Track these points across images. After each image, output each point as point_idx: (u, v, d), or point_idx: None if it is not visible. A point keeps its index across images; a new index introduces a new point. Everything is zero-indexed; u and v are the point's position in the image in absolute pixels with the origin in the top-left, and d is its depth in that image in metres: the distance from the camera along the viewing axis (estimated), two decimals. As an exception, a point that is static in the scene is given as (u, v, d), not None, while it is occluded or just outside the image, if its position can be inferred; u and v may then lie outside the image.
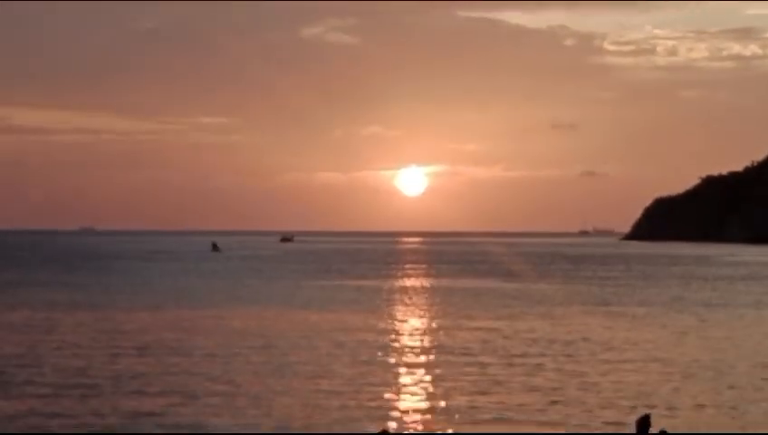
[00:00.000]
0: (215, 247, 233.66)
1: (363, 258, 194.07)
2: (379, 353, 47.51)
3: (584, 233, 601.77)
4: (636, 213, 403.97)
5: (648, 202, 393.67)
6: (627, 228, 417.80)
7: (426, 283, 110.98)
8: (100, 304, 74.74)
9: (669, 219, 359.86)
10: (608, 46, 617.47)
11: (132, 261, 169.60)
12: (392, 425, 29.47)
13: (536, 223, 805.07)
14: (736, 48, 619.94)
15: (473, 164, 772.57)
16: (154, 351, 47.90)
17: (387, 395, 36.31)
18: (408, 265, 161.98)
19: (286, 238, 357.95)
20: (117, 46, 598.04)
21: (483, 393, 36.40)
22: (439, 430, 30.83)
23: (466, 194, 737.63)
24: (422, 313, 71.31)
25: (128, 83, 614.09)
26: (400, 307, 76.19)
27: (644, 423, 21.14)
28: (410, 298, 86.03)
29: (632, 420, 23.36)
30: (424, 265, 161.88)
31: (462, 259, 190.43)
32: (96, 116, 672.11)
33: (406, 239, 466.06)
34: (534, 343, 52.09)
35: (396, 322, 64.46)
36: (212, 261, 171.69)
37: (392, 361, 45.49)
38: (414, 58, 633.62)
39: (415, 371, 42.43)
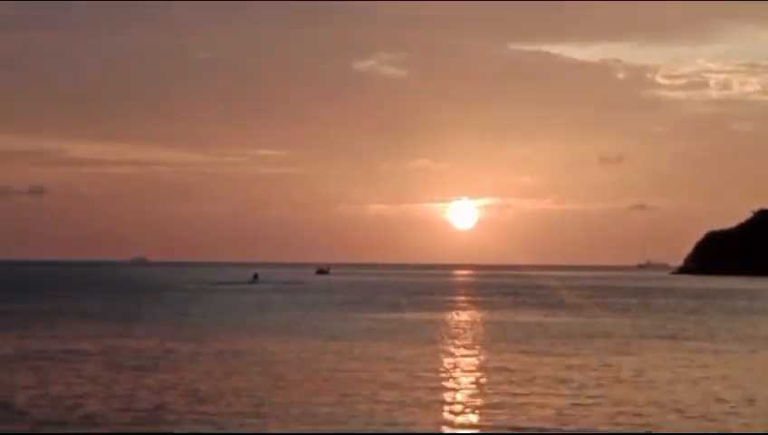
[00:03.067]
0: (255, 278, 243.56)
1: (415, 291, 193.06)
2: (430, 389, 46.49)
3: (643, 266, 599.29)
4: (688, 247, 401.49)
5: (700, 236, 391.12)
6: (679, 262, 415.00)
7: (483, 316, 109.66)
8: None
9: (721, 253, 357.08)
10: (660, 80, 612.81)
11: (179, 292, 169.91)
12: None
13: (589, 256, 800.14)
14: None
15: (523, 196, 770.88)
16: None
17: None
18: (460, 298, 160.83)
19: (322, 271, 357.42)
20: (171, 78, 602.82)
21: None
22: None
23: (518, 226, 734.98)
24: (480, 347, 70.15)
25: (182, 115, 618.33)
26: (454, 341, 75.00)
27: None
28: (464, 332, 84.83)
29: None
30: (478, 298, 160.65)
31: (517, 292, 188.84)
32: (150, 148, 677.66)
33: (458, 272, 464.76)
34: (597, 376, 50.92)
35: (450, 356, 63.34)
36: (258, 292, 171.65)
37: (444, 397, 44.41)
38: (463, 91, 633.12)
39: (469, 405, 41.42)
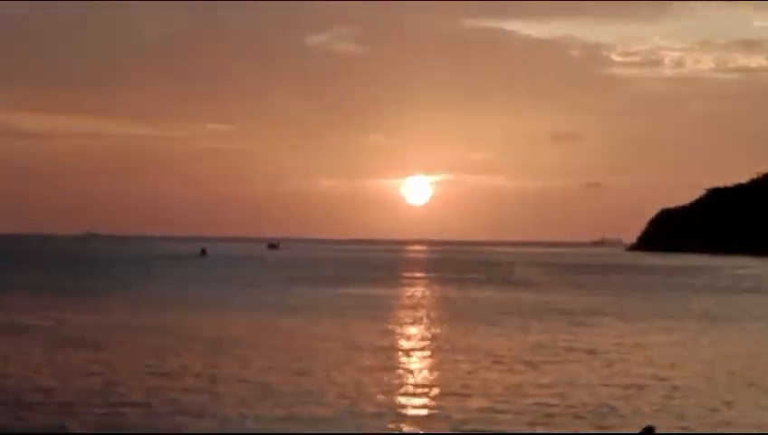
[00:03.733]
0: (203, 252, 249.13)
1: (367, 266, 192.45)
2: (381, 363, 45.57)
3: (598, 243, 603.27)
4: (641, 224, 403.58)
5: (653, 213, 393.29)
6: (633, 239, 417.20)
7: (435, 292, 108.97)
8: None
9: (675, 230, 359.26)
10: (614, 57, 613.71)
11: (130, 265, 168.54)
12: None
13: (544, 232, 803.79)
14: (743, 60, 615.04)
15: (477, 173, 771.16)
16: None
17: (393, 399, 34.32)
18: (414, 274, 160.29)
19: (273, 245, 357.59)
20: (118, 52, 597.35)
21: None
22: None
23: (472, 203, 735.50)
24: (431, 322, 69.34)
25: (129, 89, 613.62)
26: (403, 317, 74.16)
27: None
28: (415, 308, 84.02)
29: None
30: (431, 274, 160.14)
31: (470, 268, 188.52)
32: (97, 121, 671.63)
33: (412, 248, 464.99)
34: (541, 350, 50.18)
35: (398, 331, 62.48)
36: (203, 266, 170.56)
37: (396, 369, 43.48)
38: (417, 66, 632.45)
39: (419, 374, 40.51)
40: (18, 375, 40.69)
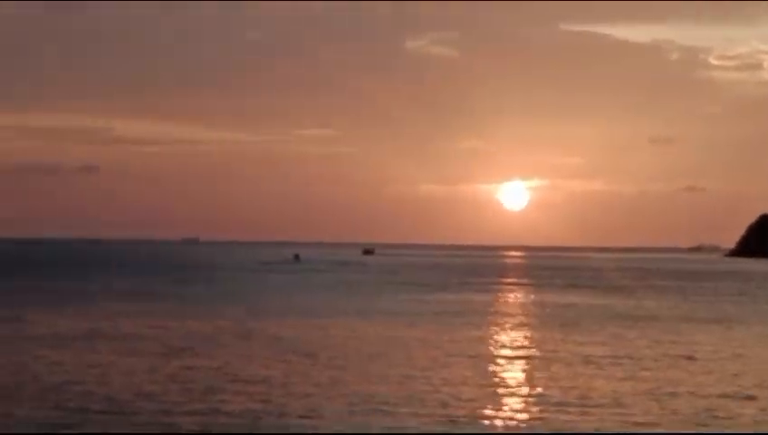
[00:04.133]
0: (296, 258, 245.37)
1: (464, 272, 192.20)
2: (479, 368, 45.74)
3: (696, 249, 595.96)
4: (740, 229, 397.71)
5: (753, 219, 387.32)
6: (732, 244, 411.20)
7: (530, 298, 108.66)
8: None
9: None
10: (713, 61, 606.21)
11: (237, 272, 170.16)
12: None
13: (641, 238, 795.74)
14: None
15: (573, 178, 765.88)
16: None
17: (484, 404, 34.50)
18: (508, 280, 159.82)
19: (368, 251, 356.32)
20: (218, 56, 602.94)
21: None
22: None
23: (568, 208, 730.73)
24: (525, 328, 69.26)
25: (229, 94, 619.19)
26: (500, 322, 74.11)
27: None
28: (511, 313, 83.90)
29: None
30: (527, 280, 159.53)
31: (567, 274, 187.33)
32: (197, 127, 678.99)
33: (509, 253, 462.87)
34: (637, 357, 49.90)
35: (495, 337, 62.50)
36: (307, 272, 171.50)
37: (491, 375, 43.62)
38: (514, 71, 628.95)
39: (514, 380, 40.61)
40: (121, 382, 41.44)
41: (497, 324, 71.23)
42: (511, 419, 33.84)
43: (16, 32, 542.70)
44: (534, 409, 35.59)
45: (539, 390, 39.91)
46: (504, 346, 56.80)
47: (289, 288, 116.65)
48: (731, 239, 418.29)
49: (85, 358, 47.97)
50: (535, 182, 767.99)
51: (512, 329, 68.00)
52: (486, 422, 33.04)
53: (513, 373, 45.28)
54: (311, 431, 28.44)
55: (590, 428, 32.11)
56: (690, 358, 51.29)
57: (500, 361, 49.73)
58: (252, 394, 37.61)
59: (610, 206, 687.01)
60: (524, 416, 34.32)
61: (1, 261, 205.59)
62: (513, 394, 38.99)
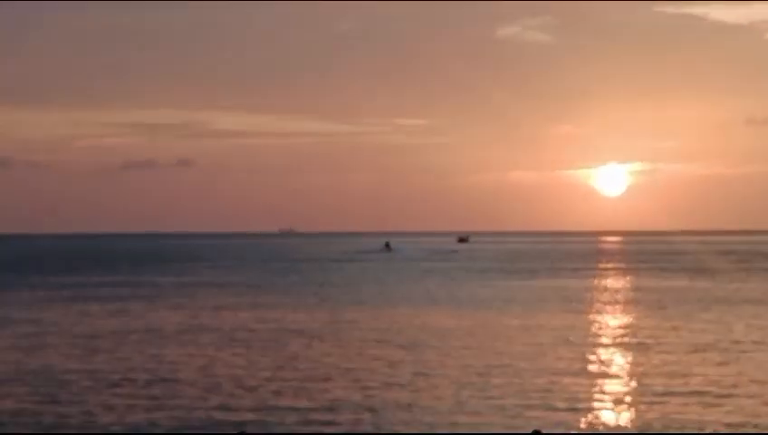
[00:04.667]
0: (387, 246, 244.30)
1: (561, 258, 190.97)
2: (577, 355, 45.36)
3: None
4: None
5: None
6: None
7: (631, 283, 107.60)
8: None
9: None
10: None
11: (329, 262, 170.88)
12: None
13: (743, 221, 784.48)
14: None
15: (672, 161, 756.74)
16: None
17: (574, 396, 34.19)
18: (607, 265, 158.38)
19: (463, 239, 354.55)
20: (314, 48, 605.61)
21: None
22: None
23: (667, 192, 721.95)
24: (625, 314, 68.57)
25: (325, 85, 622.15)
26: (599, 309, 73.45)
27: None
28: (610, 299, 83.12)
29: None
30: (627, 265, 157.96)
31: (667, 259, 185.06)
32: (294, 119, 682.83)
33: (606, 239, 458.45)
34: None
35: (596, 324, 61.94)
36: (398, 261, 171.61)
37: (590, 364, 43.23)
38: (608, 54, 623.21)
39: (611, 370, 40.23)
40: (207, 377, 41.77)
41: (596, 311, 70.61)
42: (612, 410, 33.53)
43: (113, 31, 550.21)
44: (636, 398, 35.25)
45: (640, 378, 39.51)
46: (603, 333, 56.30)
47: (384, 278, 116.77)
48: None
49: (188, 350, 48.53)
50: (632, 166, 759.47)
51: (610, 315, 67.38)
52: (590, 416, 32.77)
53: (613, 361, 44.87)
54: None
55: (692, 419, 31.68)
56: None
57: (600, 348, 49.29)
58: (353, 387, 37.71)
59: (710, 189, 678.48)
60: (624, 407, 34.00)
61: (104, 256, 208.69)
62: (614, 383, 38.65)
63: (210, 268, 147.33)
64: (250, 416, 31.71)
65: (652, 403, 33.71)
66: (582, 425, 30.45)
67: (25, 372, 41.77)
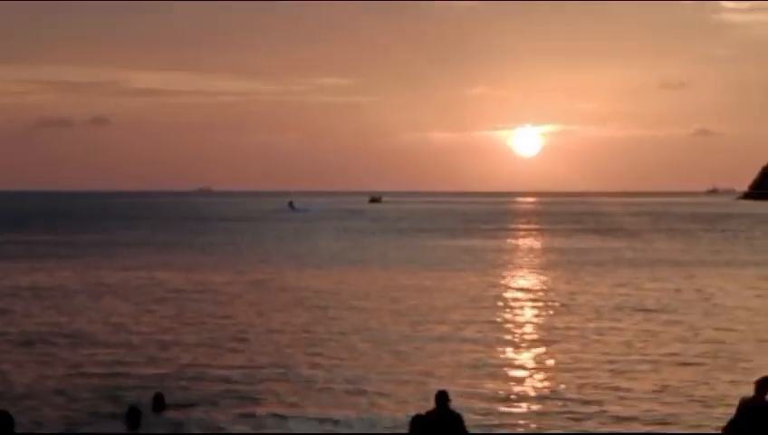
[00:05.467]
0: (291, 206, 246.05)
1: (475, 218, 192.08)
2: (490, 313, 45.95)
3: (712, 192, 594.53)
4: (754, 172, 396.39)
5: (766, 160, 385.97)
6: (746, 187, 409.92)
7: (544, 243, 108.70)
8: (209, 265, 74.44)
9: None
10: (725, 3, 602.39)
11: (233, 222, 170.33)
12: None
13: (656, 183, 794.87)
14: None
15: (587, 123, 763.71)
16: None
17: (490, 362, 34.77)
18: (521, 226, 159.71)
19: (375, 199, 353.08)
20: (236, 6, 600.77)
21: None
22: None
23: (582, 153, 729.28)
24: (535, 272, 69.39)
25: (247, 45, 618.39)
26: (510, 267, 74.23)
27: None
28: (520, 258, 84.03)
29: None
30: (540, 226, 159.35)
31: (580, 220, 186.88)
32: (215, 78, 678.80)
33: (521, 199, 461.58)
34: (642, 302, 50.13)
35: (504, 281, 62.63)
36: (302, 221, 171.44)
37: (500, 321, 43.86)
38: (523, 17, 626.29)
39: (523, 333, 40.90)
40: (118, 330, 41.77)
41: (506, 270, 71.36)
42: (517, 374, 34.10)
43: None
44: (543, 363, 35.87)
45: (548, 341, 40.19)
46: (513, 291, 56.98)
47: (291, 237, 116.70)
48: (745, 182, 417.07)
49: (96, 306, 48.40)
50: (548, 127, 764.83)
51: (520, 275, 68.15)
52: (496, 380, 33.28)
53: (524, 319, 45.52)
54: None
55: (600, 383, 32.31)
56: (707, 300, 51.54)
57: (507, 309, 49.91)
58: (265, 348, 37.94)
59: (625, 151, 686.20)
60: (531, 371, 34.59)
61: (17, 214, 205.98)
62: (520, 346, 39.26)
63: (123, 228, 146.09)
64: (165, 379, 31.80)
65: (559, 369, 34.35)
66: (489, 387, 30.92)
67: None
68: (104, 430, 24.10)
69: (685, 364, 33.90)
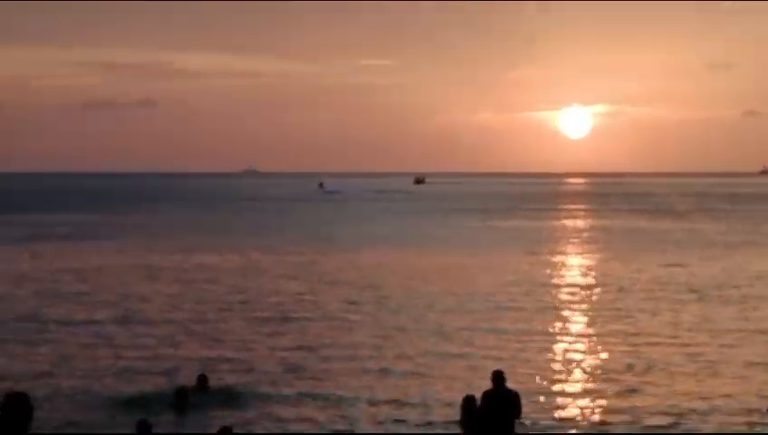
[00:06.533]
0: (321, 186, 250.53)
1: (524, 199, 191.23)
2: (535, 297, 45.48)
3: (764, 173, 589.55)
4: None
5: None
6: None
7: (594, 223, 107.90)
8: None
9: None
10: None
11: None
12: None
13: (706, 163, 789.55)
14: None
15: (636, 104, 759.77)
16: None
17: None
18: (568, 206, 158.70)
19: (419, 180, 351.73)
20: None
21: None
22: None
23: (631, 134, 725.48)
24: (586, 253, 68.75)
25: (290, 25, 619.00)
26: (560, 249, 73.58)
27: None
28: (571, 239, 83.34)
29: None
30: (590, 206, 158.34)
31: (630, 200, 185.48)
32: (258, 59, 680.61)
33: (569, 181, 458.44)
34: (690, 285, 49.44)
35: (554, 263, 62.05)
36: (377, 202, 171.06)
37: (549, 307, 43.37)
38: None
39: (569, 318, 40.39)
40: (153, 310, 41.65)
41: (557, 251, 70.75)
42: (569, 353, 33.66)
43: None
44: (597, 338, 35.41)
45: (598, 319, 39.71)
46: (563, 272, 56.45)
47: (331, 217, 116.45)
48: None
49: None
50: (596, 108, 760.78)
51: (570, 255, 67.57)
52: (548, 364, 32.87)
53: (574, 300, 45.05)
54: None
55: (653, 358, 31.79)
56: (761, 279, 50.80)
57: (560, 286, 49.43)
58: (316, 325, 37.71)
59: (674, 132, 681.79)
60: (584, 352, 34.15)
61: (59, 196, 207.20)
62: (575, 323, 38.83)
63: (167, 209, 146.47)
64: (211, 360, 31.65)
65: (608, 344, 33.88)
66: (544, 374, 30.52)
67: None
68: (153, 410, 23.87)
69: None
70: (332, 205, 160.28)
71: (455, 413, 20.62)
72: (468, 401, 18.50)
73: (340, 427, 23.45)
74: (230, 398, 25.52)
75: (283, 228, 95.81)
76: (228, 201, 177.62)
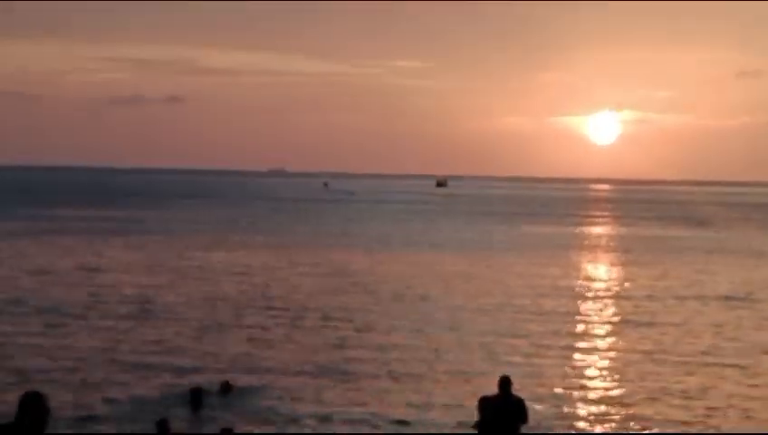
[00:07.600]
0: (325, 186, 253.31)
1: (540, 204, 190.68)
2: (562, 307, 45.17)
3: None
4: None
5: None
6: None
7: (619, 231, 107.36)
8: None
9: None
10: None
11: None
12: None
13: (734, 172, 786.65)
14: None
15: (664, 111, 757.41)
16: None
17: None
18: (593, 212, 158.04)
19: (441, 183, 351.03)
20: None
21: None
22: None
23: (659, 142, 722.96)
24: (610, 260, 68.38)
25: (320, 25, 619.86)
26: (586, 256, 73.20)
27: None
28: (598, 246, 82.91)
29: None
30: (616, 213, 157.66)
31: (657, 208, 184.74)
32: (288, 58, 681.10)
33: (596, 187, 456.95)
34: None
35: (584, 271, 61.71)
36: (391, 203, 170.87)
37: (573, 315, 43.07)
38: (597, 4, 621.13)
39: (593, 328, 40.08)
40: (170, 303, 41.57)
41: (585, 258, 70.37)
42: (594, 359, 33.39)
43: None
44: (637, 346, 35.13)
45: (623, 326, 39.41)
46: (588, 279, 56.08)
47: (350, 220, 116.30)
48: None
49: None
50: (624, 115, 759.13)
51: (596, 262, 67.19)
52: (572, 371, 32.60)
53: (598, 307, 44.72)
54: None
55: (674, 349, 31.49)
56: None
57: (585, 293, 49.10)
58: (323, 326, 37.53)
59: (700, 140, 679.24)
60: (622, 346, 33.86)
61: (87, 191, 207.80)
62: (595, 333, 38.54)
63: (190, 206, 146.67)
64: (236, 361, 31.52)
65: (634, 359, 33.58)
66: (561, 375, 30.27)
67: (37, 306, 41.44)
68: (168, 409, 23.77)
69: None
70: (340, 206, 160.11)
71: (470, 415, 20.44)
72: (483, 401, 18.47)
73: (357, 428, 23.28)
74: (248, 401, 25.40)
75: (293, 228, 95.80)
76: (231, 200, 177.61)
